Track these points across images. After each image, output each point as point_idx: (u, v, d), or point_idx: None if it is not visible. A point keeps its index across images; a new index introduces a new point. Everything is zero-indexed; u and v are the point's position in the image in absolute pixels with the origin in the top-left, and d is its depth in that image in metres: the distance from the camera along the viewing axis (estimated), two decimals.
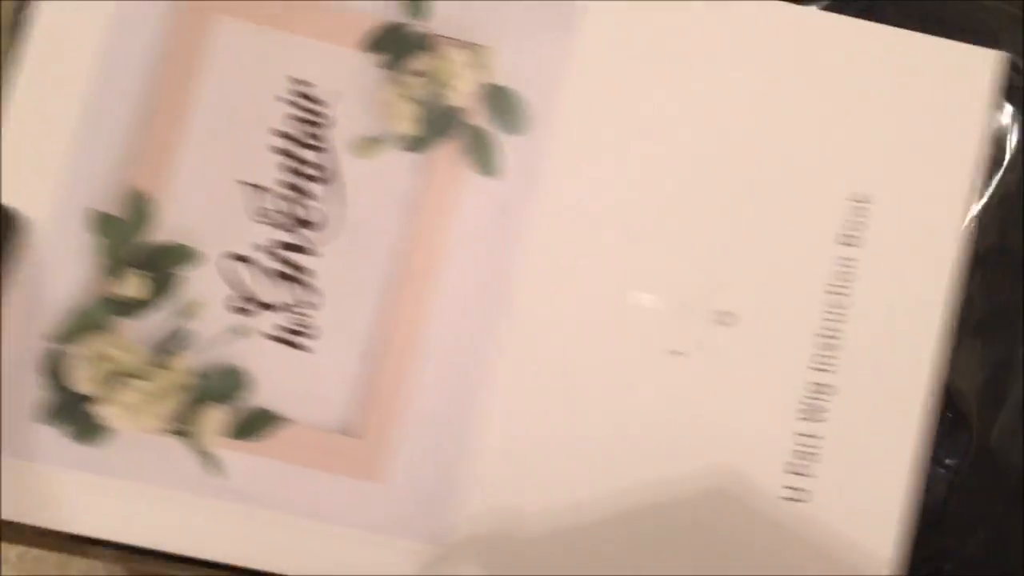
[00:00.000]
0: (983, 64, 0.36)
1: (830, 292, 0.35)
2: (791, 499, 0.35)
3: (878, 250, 0.36)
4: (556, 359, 0.35)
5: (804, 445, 0.35)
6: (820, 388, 0.35)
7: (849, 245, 0.36)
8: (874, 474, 0.35)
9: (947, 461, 0.40)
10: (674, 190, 0.36)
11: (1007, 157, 0.40)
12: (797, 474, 0.35)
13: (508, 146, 0.35)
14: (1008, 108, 0.40)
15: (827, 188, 0.36)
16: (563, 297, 0.35)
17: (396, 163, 0.35)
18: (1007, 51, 0.39)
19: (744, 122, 0.36)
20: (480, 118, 0.35)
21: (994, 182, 0.39)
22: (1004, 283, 0.40)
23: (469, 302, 0.35)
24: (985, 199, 0.39)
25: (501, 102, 0.35)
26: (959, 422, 0.40)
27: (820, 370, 0.35)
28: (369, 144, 0.35)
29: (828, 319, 0.35)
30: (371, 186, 0.35)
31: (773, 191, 0.36)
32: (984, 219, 0.39)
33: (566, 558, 0.34)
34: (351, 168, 0.35)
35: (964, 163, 0.36)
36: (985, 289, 0.40)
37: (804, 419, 0.35)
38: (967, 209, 0.36)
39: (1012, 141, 0.40)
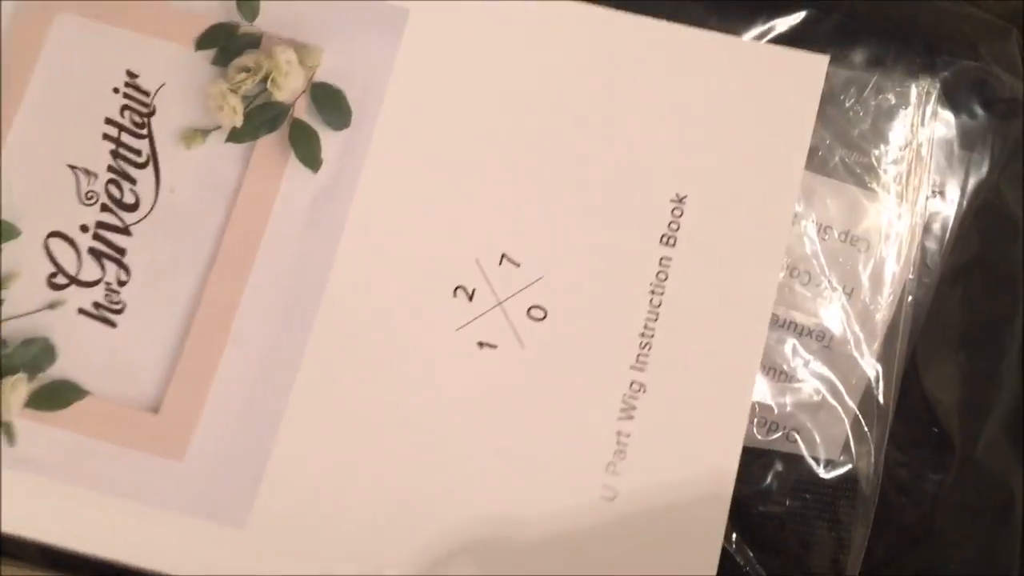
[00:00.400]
0: (810, 69, 0.36)
1: (654, 292, 0.35)
2: (609, 499, 0.34)
3: (699, 251, 0.35)
4: (366, 348, 0.35)
5: (624, 445, 0.34)
6: (639, 385, 0.35)
7: (672, 246, 0.35)
8: (686, 475, 0.34)
9: (932, 476, 0.39)
10: (491, 188, 0.36)
11: (984, 169, 0.38)
12: (617, 475, 0.34)
13: (330, 141, 0.36)
14: (984, 118, 0.38)
15: (651, 189, 0.36)
16: (377, 288, 0.35)
17: (219, 153, 0.36)
18: (987, 63, 0.38)
19: (565, 121, 0.36)
20: (305, 113, 0.36)
21: (969, 194, 0.38)
22: (986, 296, 0.39)
23: (282, 289, 0.35)
24: (963, 211, 0.37)
25: (325, 99, 0.36)
26: (943, 437, 0.37)
27: (642, 370, 0.35)
28: (194, 135, 0.36)
29: (651, 320, 0.35)
30: (193, 174, 0.36)
31: (595, 191, 0.36)
32: (963, 232, 0.39)
33: (366, 546, 0.34)
34: (174, 156, 0.36)
35: (789, 168, 0.36)
36: (967, 303, 0.39)
37: (627, 419, 0.34)
38: (790, 213, 0.36)
39: (988, 152, 0.39)
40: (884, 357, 0.37)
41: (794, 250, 0.37)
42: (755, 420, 0.37)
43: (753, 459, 0.37)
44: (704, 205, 0.35)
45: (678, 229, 0.35)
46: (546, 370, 0.35)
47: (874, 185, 0.38)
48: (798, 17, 0.39)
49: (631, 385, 0.34)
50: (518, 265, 0.35)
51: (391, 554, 0.34)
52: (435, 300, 0.35)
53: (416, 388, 0.35)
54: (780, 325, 0.37)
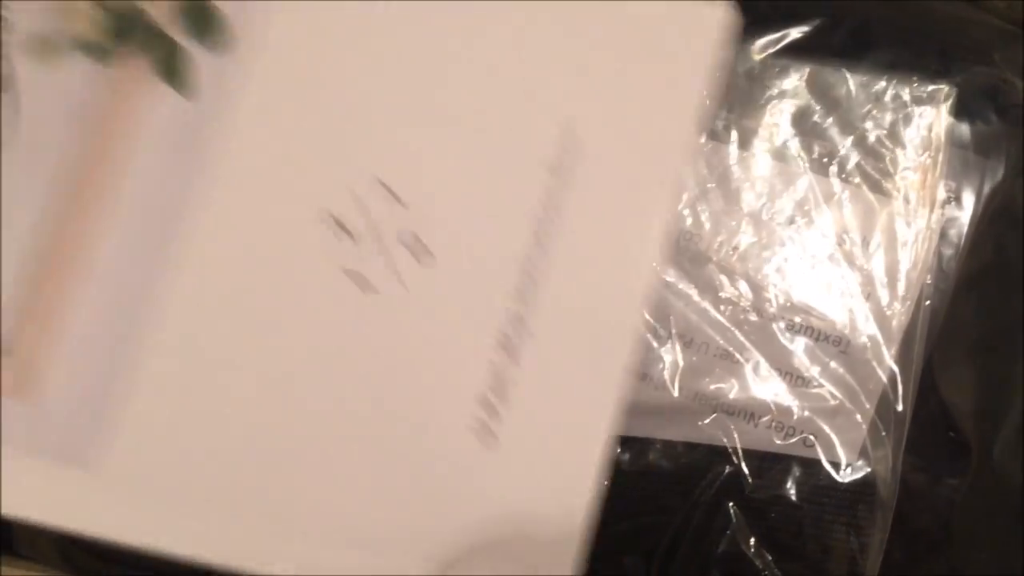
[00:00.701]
0: (710, 19, 0.35)
1: (535, 222, 0.34)
2: (480, 434, 0.33)
3: (586, 187, 0.34)
4: (234, 285, 0.33)
5: (498, 379, 0.33)
6: (519, 322, 0.34)
7: (558, 177, 0.34)
8: (565, 426, 0.33)
9: (949, 481, 0.39)
10: (373, 116, 0.34)
11: (999, 174, 0.38)
12: (489, 409, 0.33)
13: (205, 64, 0.34)
14: (999, 123, 0.38)
15: (537, 117, 0.34)
16: (247, 223, 0.33)
17: (77, 72, 0.33)
18: (1001, 69, 0.38)
19: (449, 48, 0.35)
20: (176, 32, 0.34)
21: (984, 199, 0.38)
22: (1002, 300, 0.39)
23: (144, 223, 0.33)
24: (978, 217, 0.37)
25: (200, 17, 0.34)
26: (960, 441, 0.37)
27: (520, 303, 0.34)
28: (45, 45, 0.33)
29: (532, 251, 0.34)
30: (49, 96, 0.33)
31: (480, 116, 0.34)
32: (979, 237, 0.38)
33: (228, 488, 0.33)
34: (30, 76, 0.33)
35: (682, 116, 0.35)
36: (983, 307, 0.39)
37: (501, 350, 0.33)
38: (681, 161, 0.35)
39: (1003, 158, 0.39)
40: (901, 362, 0.37)
41: (812, 254, 0.38)
42: (773, 424, 0.37)
43: (771, 464, 0.37)
44: (596, 143, 0.34)
45: (564, 161, 0.34)
46: (424, 305, 0.33)
47: (891, 190, 0.38)
48: (811, 25, 0.39)
49: (509, 318, 0.33)
50: (396, 197, 0.34)
51: (251, 501, 0.33)
52: (309, 235, 0.33)
53: (287, 329, 0.33)
54: (797, 330, 0.37)
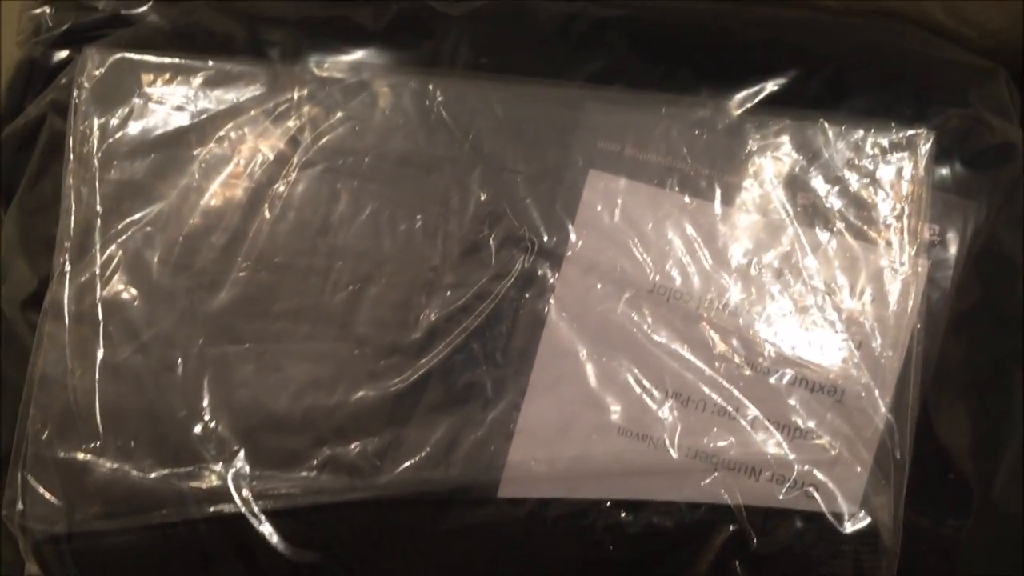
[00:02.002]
0: None
1: None
2: None
3: None
4: None
5: None
6: None
7: None
8: None
9: (952, 522, 0.39)
10: None
11: (982, 214, 0.38)
12: None
13: None
14: (978, 163, 0.38)
15: None
16: None
17: None
18: (976, 108, 0.39)
19: None
20: None
21: (968, 240, 0.38)
22: (992, 338, 0.40)
23: None
24: (963, 258, 0.38)
25: None
26: (960, 482, 0.40)
27: None
28: None
29: None
30: None
31: None
32: (966, 278, 0.39)
33: None
34: None
35: None
36: (973, 348, 0.40)
37: None
38: None
39: (985, 198, 0.40)
40: (897, 409, 0.37)
41: (802, 305, 0.38)
42: (773, 479, 0.37)
43: (774, 519, 0.37)
44: None
45: None
46: None
47: (876, 237, 0.38)
48: (787, 76, 0.39)
49: None
50: None
51: None
52: None
53: None
54: (792, 382, 0.38)
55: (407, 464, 0.38)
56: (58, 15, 0.42)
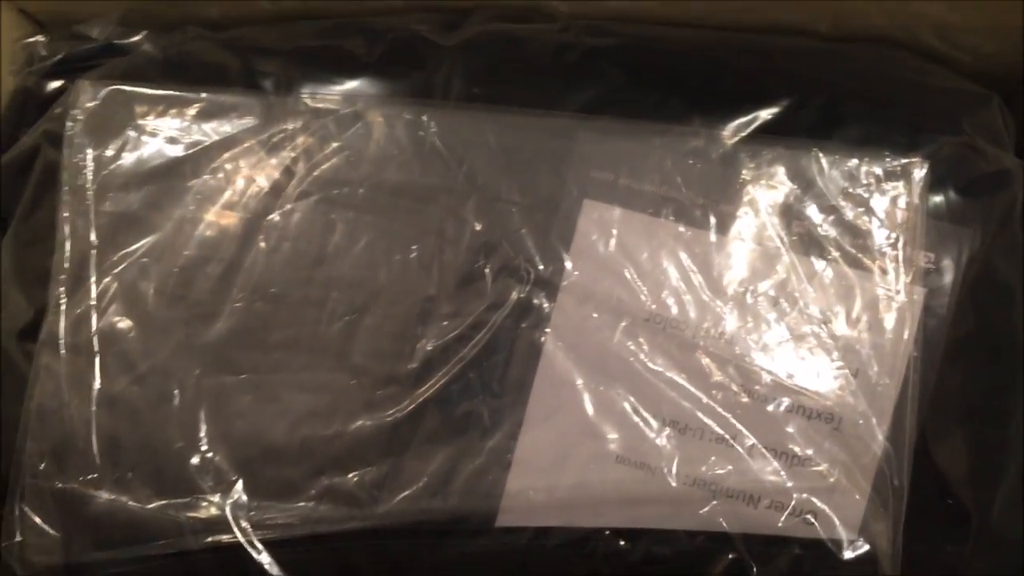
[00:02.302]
0: None
1: None
2: None
3: None
4: None
5: None
6: None
7: None
8: None
9: (951, 548, 0.39)
10: None
11: (976, 241, 0.38)
12: None
13: None
14: (972, 190, 0.38)
15: None
16: None
17: None
18: (970, 136, 0.39)
19: None
20: None
21: (963, 267, 0.38)
22: (988, 365, 0.39)
23: None
24: (959, 285, 0.38)
25: None
26: (959, 508, 0.39)
27: None
28: None
29: None
30: None
31: None
32: (961, 305, 0.39)
33: None
34: None
35: None
36: (970, 374, 0.39)
37: None
38: None
39: (979, 224, 0.40)
40: (894, 436, 0.37)
41: (799, 334, 0.38)
42: (772, 506, 0.37)
43: (773, 547, 0.37)
44: None
45: None
46: None
47: (871, 265, 0.38)
48: (780, 105, 0.39)
49: None
50: None
51: None
52: None
53: None
54: (789, 409, 0.38)
55: (405, 494, 0.38)
56: (51, 45, 0.42)
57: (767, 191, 0.39)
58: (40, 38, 0.43)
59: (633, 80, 0.40)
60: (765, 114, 0.39)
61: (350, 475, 0.38)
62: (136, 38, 0.42)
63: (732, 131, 0.39)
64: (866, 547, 0.37)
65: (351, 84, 0.41)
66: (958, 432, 0.39)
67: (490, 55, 0.40)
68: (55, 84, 0.42)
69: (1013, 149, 0.39)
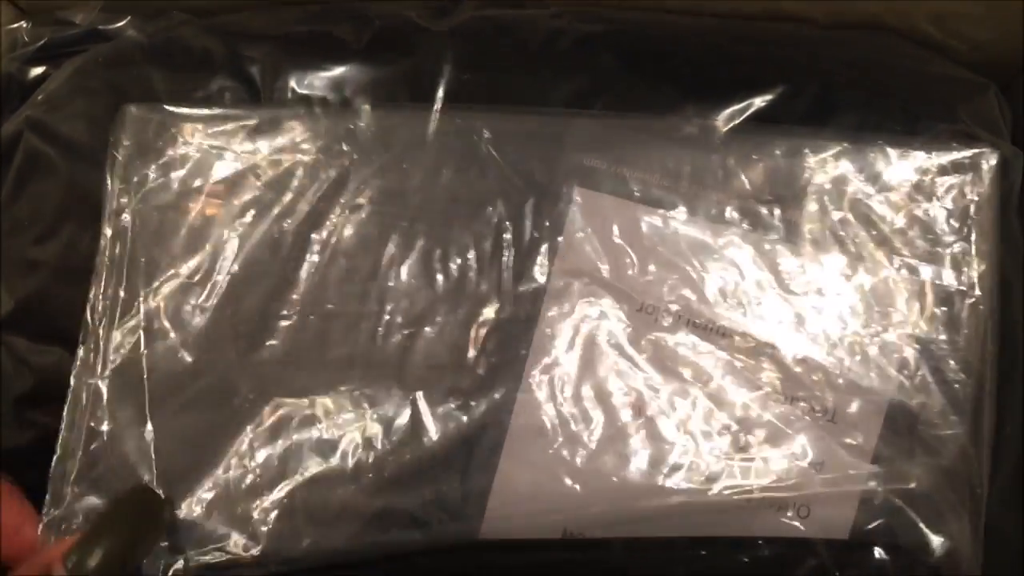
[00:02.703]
0: None
1: None
2: None
3: None
4: None
5: None
6: None
7: None
8: None
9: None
10: None
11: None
12: None
13: None
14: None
15: None
16: None
17: None
18: (967, 123, 0.38)
19: None
20: None
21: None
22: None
23: None
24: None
25: None
26: None
27: None
28: None
29: None
30: None
31: None
32: None
33: None
34: None
35: None
36: None
37: None
38: None
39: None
40: (974, 435, 0.37)
41: (878, 337, 0.37)
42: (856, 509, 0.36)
43: (854, 552, 0.36)
44: None
45: None
46: None
47: (942, 260, 0.38)
48: (775, 93, 0.39)
49: None
50: None
51: None
52: None
53: None
54: (872, 412, 0.37)
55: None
56: (34, 30, 0.41)
57: (833, 190, 0.38)
58: (23, 24, 0.42)
59: (626, 67, 0.40)
60: (759, 101, 0.39)
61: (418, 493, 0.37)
62: (120, 24, 0.41)
63: (726, 119, 0.39)
64: (948, 548, 0.36)
65: (339, 70, 0.40)
66: None
67: (481, 41, 0.40)
68: (38, 70, 0.41)
69: (1010, 138, 0.39)
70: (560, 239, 0.38)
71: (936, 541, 0.36)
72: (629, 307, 0.38)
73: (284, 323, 0.38)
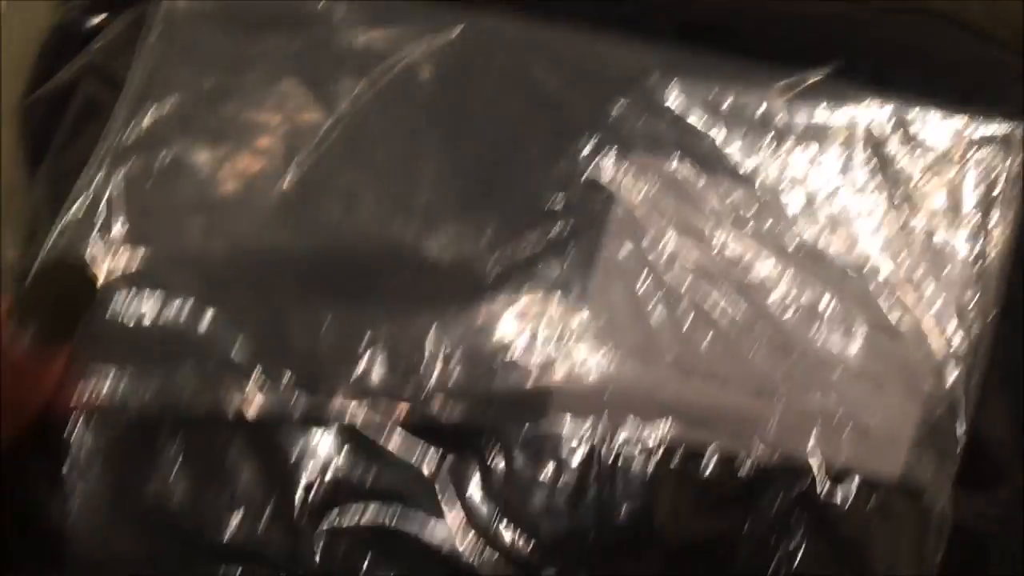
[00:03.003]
0: None
1: None
2: None
3: None
4: None
5: None
6: None
7: None
8: None
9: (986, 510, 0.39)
10: None
11: None
12: None
13: None
14: None
15: None
16: None
17: None
18: (1010, 107, 0.39)
19: None
20: None
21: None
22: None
23: None
24: None
25: None
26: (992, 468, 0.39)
27: None
28: None
29: None
30: None
31: None
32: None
33: None
34: None
35: None
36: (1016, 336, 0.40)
37: None
38: None
39: None
40: (964, 385, 0.38)
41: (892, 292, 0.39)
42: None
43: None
44: None
45: None
46: None
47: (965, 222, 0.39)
48: (826, 71, 0.40)
49: None
50: None
51: None
52: None
53: None
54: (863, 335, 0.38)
55: None
56: None
57: (866, 150, 0.40)
58: None
59: (680, 38, 0.41)
60: (813, 77, 0.40)
61: None
62: None
63: (780, 91, 0.40)
64: (917, 489, 0.37)
65: None
66: (999, 393, 0.39)
67: None
68: (95, 20, 0.41)
69: None
70: None
71: (906, 483, 0.37)
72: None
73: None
